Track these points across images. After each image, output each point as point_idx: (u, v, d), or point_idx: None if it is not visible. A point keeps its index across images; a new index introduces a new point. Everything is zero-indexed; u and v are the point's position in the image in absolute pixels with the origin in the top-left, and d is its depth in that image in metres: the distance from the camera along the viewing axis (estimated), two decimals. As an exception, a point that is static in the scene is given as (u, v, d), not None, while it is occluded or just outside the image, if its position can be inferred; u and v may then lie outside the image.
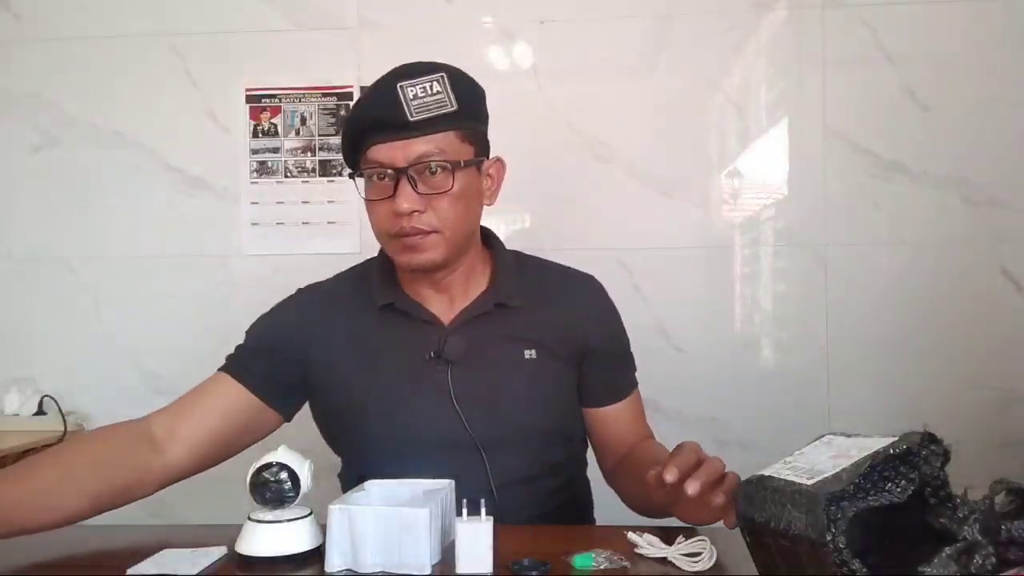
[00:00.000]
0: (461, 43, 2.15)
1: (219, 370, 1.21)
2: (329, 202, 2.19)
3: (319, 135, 2.19)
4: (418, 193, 1.05)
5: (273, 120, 2.20)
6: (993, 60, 2.03)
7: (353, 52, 2.18)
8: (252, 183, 2.21)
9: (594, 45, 2.13)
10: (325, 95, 2.19)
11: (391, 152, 1.05)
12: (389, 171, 1.06)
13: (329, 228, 2.19)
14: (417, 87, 1.04)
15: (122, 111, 2.23)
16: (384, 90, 1.05)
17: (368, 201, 1.10)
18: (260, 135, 2.20)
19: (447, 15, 2.16)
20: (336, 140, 2.18)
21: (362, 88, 2.16)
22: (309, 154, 2.20)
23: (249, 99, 2.21)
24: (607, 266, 2.05)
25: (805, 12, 2.08)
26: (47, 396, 2.17)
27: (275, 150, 2.20)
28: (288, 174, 2.20)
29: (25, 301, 2.25)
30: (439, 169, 1.06)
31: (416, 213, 1.05)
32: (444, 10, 2.16)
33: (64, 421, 2.10)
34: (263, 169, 2.20)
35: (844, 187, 2.07)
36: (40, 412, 2.16)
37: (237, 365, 1.19)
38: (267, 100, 2.21)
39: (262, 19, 2.20)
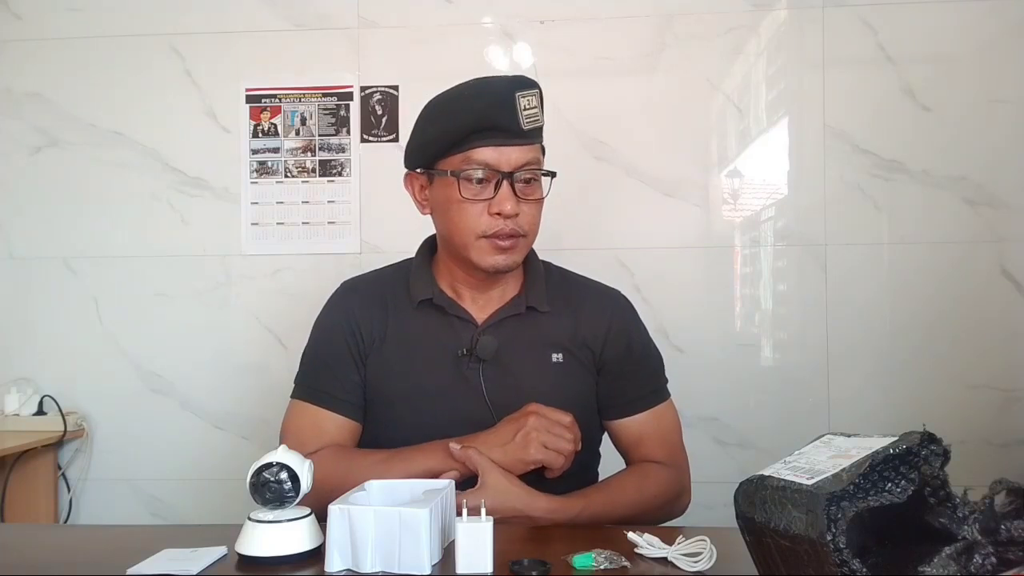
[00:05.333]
0: (461, 43, 2.15)
1: (293, 397, 1.23)
2: (329, 202, 2.19)
3: (319, 135, 2.19)
4: (516, 197, 1.12)
5: (273, 120, 2.20)
6: (993, 60, 2.03)
7: (353, 52, 2.19)
8: (252, 183, 2.21)
9: (594, 45, 2.13)
10: (325, 95, 2.19)
11: (499, 156, 1.11)
12: (492, 173, 1.11)
13: (329, 228, 2.19)
14: (526, 99, 1.11)
15: (122, 111, 2.23)
16: (503, 96, 1.10)
17: (460, 201, 1.13)
18: (260, 135, 2.21)
19: (447, 15, 2.16)
20: (336, 140, 2.18)
21: (363, 88, 2.17)
22: (309, 154, 2.20)
23: (249, 99, 2.21)
24: (607, 266, 2.06)
25: (805, 12, 2.08)
26: (47, 396, 2.18)
27: (275, 150, 2.20)
28: (288, 174, 2.20)
29: (25, 301, 2.25)
30: (533, 177, 1.14)
31: (515, 216, 1.12)
32: (444, 10, 2.16)
33: (64, 421, 2.10)
34: (263, 169, 2.21)
35: (844, 187, 2.07)
36: (40, 412, 2.16)
37: (311, 392, 1.22)
38: (267, 100, 2.21)
39: (262, 19, 2.20)
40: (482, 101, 1.11)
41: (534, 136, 1.13)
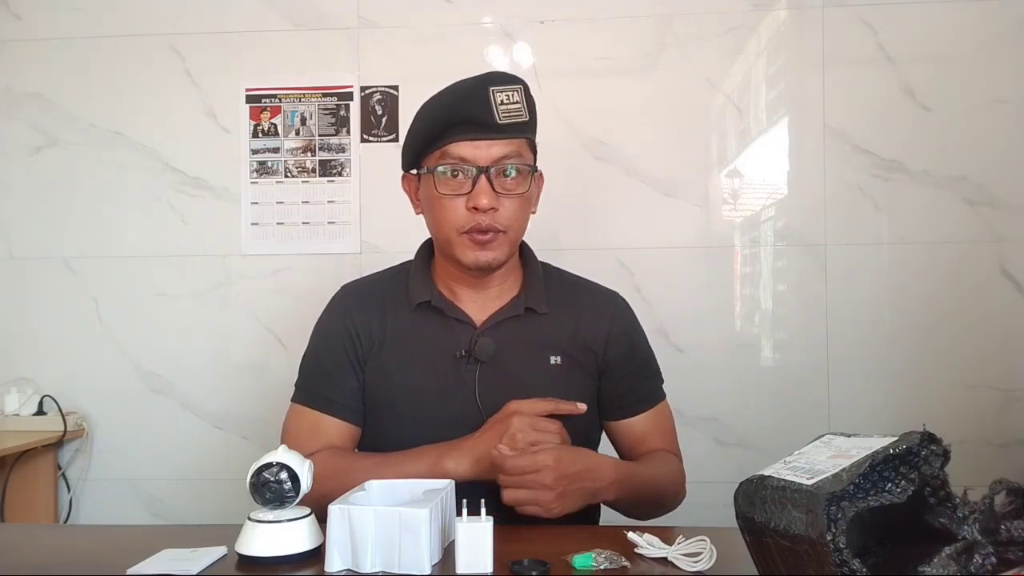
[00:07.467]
0: (461, 43, 2.15)
1: (293, 401, 1.23)
2: (329, 202, 2.19)
3: (319, 135, 2.19)
4: (495, 192, 1.11)
5: (273, 120, 2.20)
6: (993, 60, 2.03)
7: (353, 52, 2.19)
8: (252, 183, 2.21)
9: (594, 45, 2.13)
10: (325, 95, 2.19)
11: (475, 150, 1.11)
12: (469, 168, 1.11)
13: (329, 228, 2.19)
14: (503, 94, 1.11)
15: (122, 111, 2.23)
16: (476, 91, 1.11)
17: (439, 197, 1.13)
18: (260, 135, 2.21)
19: (447, 15, 2.16)
20: (336, 140, 2.18)
21: (363, 88, 2.17)
22: (309, 154, 2.20)
23: (249, 99, 2.21)
24: (607, 266, 2.06)
25: (805, 12, 2.08)
26: (47, 396, 2.18)
27: (275, 150, 2.20)
28: (288, 174, 2.20)
29: (25, 301, 2.25)
30: (515, 171, 1.13)
31: (492, 211, 1.11)
32: (444, 10, 2.16)
33: (64, 421, 2.10)
34: (263, 169, 2.20)
35: (844, 187, 2.07)
36: (40, 412, 2.16)
37: (310, 396, 1.22)
38: (267, 100, 2.21)
39: (262, 19, 2.20)
40: (455, 97, 1.12)
41: (513, 131, 1.12)
